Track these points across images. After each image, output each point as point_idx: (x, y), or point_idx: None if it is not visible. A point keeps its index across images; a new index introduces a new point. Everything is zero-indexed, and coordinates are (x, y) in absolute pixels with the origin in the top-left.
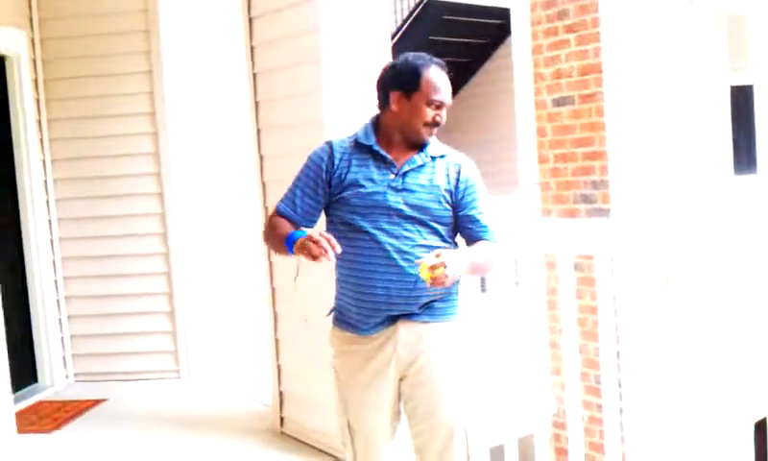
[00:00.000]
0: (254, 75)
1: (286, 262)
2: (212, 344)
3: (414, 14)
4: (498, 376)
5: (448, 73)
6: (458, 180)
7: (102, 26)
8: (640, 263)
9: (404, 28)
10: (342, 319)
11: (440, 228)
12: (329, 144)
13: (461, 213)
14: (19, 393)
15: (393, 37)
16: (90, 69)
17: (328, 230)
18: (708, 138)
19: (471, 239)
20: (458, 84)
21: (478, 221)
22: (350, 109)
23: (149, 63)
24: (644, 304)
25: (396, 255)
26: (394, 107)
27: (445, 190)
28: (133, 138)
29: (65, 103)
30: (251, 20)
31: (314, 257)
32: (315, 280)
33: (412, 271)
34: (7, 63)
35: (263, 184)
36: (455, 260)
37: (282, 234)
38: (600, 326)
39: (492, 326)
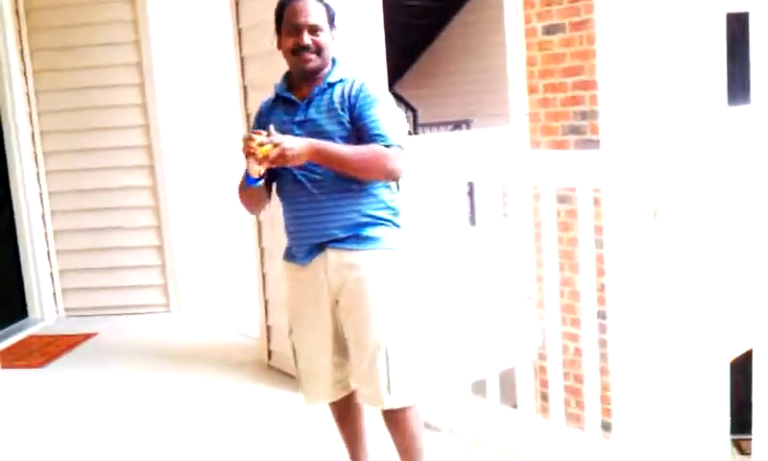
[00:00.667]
0: (242, 58)
1: (273, 201)
2: (201, 278)
3: None
4: (484, 310)
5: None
6: (350, 95)
7: None
8: (627, 195)
9: None
10: (287, 252)
11: None
12: (258, 109)
13: (357, 125)
14: (9, 328)
15: None
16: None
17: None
18: (701, 68)
19: None
20: (449, 13)
21: (370, 128)
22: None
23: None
24: (631, 238)
25: (308, 184)
26: (278, 49)
27: (342, 109)
28: (119, 69)
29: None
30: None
31: (254, 156)
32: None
33: (322, 196)
34: None
35: (248, 116)
36: (292, 141)
37: (241, 182)
38: (580, 257)
39: (481, 258)
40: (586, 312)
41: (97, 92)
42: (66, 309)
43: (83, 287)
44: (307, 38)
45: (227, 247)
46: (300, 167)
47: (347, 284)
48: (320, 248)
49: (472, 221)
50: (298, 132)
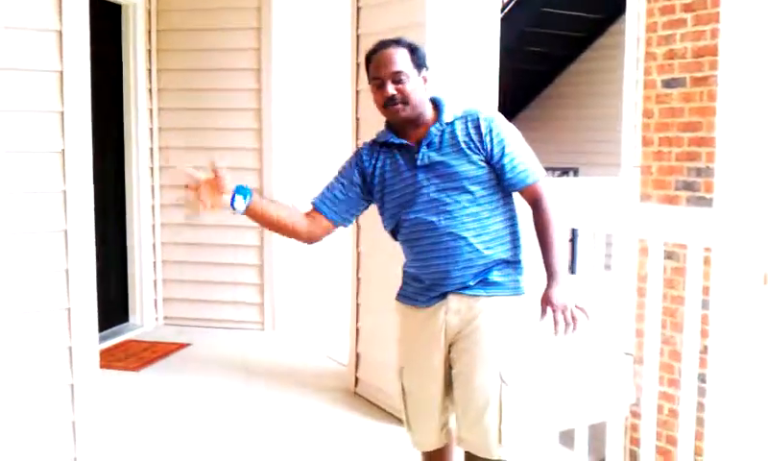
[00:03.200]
0: (358, 64)
1: (373, 232)
2: (297, 301)
3: None
4: (579, 360)
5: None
6: (479, 132)
7: None
8: (738, 257)
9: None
10: (403, 293)
11: (480, 190)
12: (357, 150)
13: (496, 164)
14: (111, 330)
15: (504, 8)
16: (201, 22)
17: (394, 232)
18: None
19: (515, 188)
20: (569, 58)
21: (514, 167)
22: (454, 91)
23: (258, 21)
24: (739, 302)
25: (443, 231)
26: (374, 103)
27: (473, 148)
28: (238, 93)
29: (175, 54)
30: (358, 9)
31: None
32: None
33: (461, 243)
34: (123, 12)
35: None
36: (558, 298)
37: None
38: (685, 317)
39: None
40: (686, 373)
41: (213, 113)
42: (165, 318)
43: (182, 298)
44: (391, 89)
45: (324, 273)
46: (434, 211)
47: (465, 329)
48: (445, 293)
49: (572, 269)
50: (423, 175)
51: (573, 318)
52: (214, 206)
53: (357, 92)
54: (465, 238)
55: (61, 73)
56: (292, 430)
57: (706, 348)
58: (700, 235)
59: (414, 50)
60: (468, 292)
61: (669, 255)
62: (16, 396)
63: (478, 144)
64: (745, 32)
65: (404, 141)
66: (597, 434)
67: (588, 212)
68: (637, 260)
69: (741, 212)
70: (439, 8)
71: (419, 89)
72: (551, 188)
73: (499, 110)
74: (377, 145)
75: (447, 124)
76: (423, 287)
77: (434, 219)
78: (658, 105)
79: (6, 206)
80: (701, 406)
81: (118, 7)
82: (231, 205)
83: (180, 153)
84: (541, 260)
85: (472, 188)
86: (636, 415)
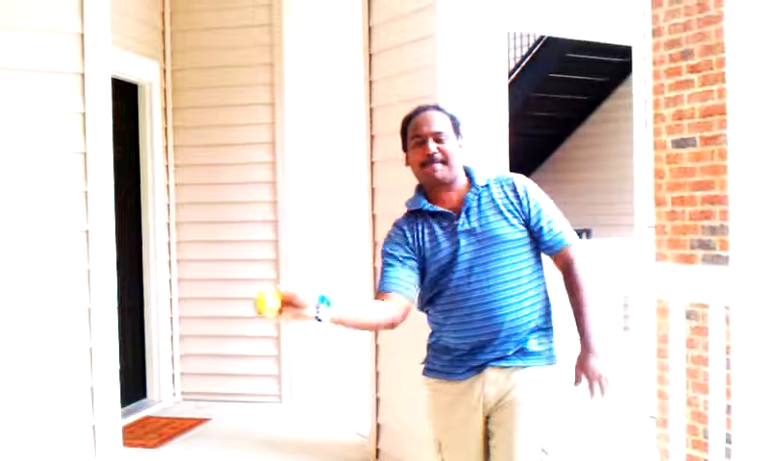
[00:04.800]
0: (371, 82)
1: None
2: (314, 371)
3: (533, 51)
4: (600, 424)
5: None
6: (517, 196)
7: (227, 58)
8: (758, 315)
9: (522, 65)
10: (432, 368)
11: (520, 254)
12: (393, 230)
13: (534, 227)
14: (129, 407)
15: (510, 74)
16: (215, 99)
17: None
18: None
19: (551, 251)
20: (575, 121)
21: (552, 230)
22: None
23: (272, 95)
24: (761, 360)
25: (485, 297)
26: (406, 166)
27: (511, 211)
28: (253, 166)
29: (190, 131)
30: (370, 29)
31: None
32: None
33: (504, 310)
34: (139, 91)
35: (372, 191)
36: (593, 366)
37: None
38: (710, 377)
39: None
40: (714, 435)
41: (229, 187)
42: (183, 393)
43: (200, 372)
44: (433, 146)
45: (341, 341)
46: (476, 280)
47: (503, 399)
48: (481, 366)
49: None
50: (465, 240)
51: (605, 385)
52: (297, 317)
53: (371, 109)
54: (507, 305)
55: (85, 154)
56: None
57: (729, 407)
58: (722, 294)
59: (452, 116)
60: (505, 363)
61: (688, 315)
62: None
63: (517, 207)
64: (752, 91)
65: (442, 209)
66: None
67: (604, 274)
68: (656, 322)
69: (760, 269)
70: (448, 79)
71: (456, 153)
72: (583, 252)
73: None
74: (412, 215)
75: (483, 187)
76: (459, 358)
77: (475, 285)
78: (669, 165)
79: (31, 282)
80: None
81: (134, 86)
82: (317, 318)
83: (197, 227)
84: (575, 325)
85: (513, 252)
86: None
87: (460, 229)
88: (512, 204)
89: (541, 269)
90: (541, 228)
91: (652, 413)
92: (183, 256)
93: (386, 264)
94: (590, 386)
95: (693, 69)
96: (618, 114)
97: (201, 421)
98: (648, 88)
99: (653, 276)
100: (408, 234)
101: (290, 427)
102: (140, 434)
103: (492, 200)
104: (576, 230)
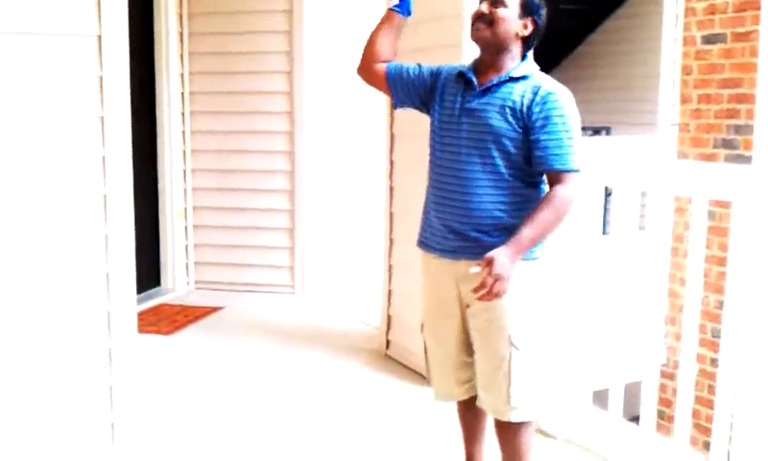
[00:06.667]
0: None
1: (405, 194)
2: (327, 263)
3: None
4: (610, 321)
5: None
6: (533, 100)
7: None
8: None
9: None
10: (420, 238)
11: (502, 157)
12: (446, 66)
13: (531, 137)
14: (143, 294)
15: None
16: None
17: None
18: None
19: (540, 168)
20: (600, 17)
21: (547, 147)
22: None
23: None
24: None
25: (461, 183)
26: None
27: (517, 112)
28: (269, 75)
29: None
30: None
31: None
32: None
33: (471, 205)
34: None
35: (391, 137)
36: (500, 263)
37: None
38: (728, 276)
39: (611, 269)
40: (726, 335)
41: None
42: (197, 282)
43: (214, 262)
44: (485, 6)
45: (355, 235)
46: (453, 158)
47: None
48: (454, 251)
49: (604, 230)
50: (464, 120)
51: (496, 292)
52: None
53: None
54: (480, 194)
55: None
56: (322, 392)
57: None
58: (746, 192)
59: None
60: (480, 257)
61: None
62: (54, 362)
63: (524, 111)
64: None
65: (473, 78)
66: (629, 395)
67: (624, 170)
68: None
69: None
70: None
71: (511, 25)
72: (577, 188)
73: None
74: (455, 72)
75: (511, 78)
76: (436, 234)
77: (455, 165)
78: (697, 61)
79: (44, 171)
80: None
81: None
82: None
83: (210, 137)
84: (519, 224)
85: (497, 153)
86: (664, 375)
87: (466, 105)
88: (523, 106)
89: (535, 182)
90: (537, 140)
91: (661, 310)
92: (197, 147)
93: (413, 64)
94: (483, 279)
95: None
96: (648, 8)
97: (214, 309)
98: None
99: (672, 173)
100: (443, 75)
101: (302, 318)
102: (154, 321)
103: (510, 93)
104: (595, 128)
